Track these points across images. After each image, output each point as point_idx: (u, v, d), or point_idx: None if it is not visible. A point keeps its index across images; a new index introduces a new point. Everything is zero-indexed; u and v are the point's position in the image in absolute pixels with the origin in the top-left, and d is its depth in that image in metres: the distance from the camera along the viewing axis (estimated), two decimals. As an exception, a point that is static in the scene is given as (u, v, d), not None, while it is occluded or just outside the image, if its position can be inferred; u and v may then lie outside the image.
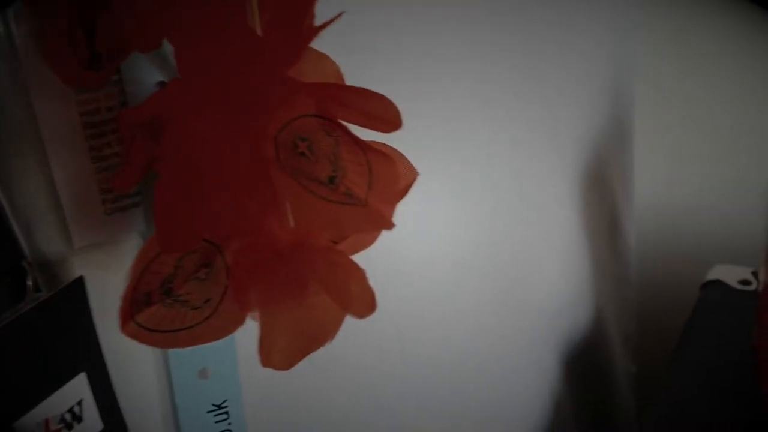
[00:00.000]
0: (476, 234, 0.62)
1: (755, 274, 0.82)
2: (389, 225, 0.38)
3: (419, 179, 0.55)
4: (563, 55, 0.70)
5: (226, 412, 0.43)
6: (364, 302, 0.37)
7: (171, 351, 0.41)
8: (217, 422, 0.43)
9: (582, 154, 0.78)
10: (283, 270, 0.35)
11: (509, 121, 0.67)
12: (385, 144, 0.39)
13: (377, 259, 0.57)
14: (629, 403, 0.94)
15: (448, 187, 0.60)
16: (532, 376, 0.68)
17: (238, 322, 0.37)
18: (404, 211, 0.53)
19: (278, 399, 0.48)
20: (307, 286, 0.35)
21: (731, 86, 0.98)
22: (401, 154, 0.41)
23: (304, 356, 0.37)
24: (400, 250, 0.55)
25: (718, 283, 0.79)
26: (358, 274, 0.38)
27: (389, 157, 0.36)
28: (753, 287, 0.80)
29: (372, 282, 0.56)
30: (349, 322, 0.40)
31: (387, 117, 0.37)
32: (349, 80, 0.43)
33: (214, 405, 0.42)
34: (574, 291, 0.76)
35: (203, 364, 0.42)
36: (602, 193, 0.85)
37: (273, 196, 0.34)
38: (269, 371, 0.41)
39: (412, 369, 0.57)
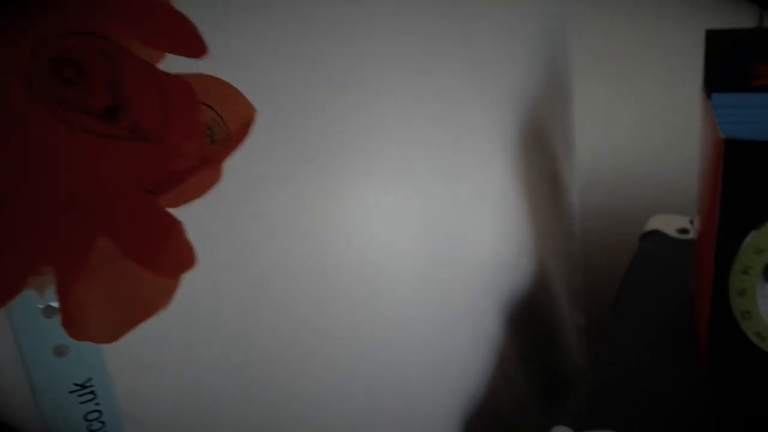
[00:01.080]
0: (409, 194, 0.60)
1: (693, 222, 0.82)
2: (194, 162, 0.30)
3: (348, 138, 0.54)
4: (491, 12, 0.68)
5: (92, 392, 0.40)
6: (177, 260, 0.31)
7: (19, 327, 0.38)
8: (82, 403, 0.40)
9: (518, 110, 0.77)
10: (64, 225, 0.29)
11: (438, 77, 0.65)
12: (211, 76, 0.33)
13: (314, 224, 0.56)
14: (578, 355, 0.95)
15: (379, 147, 0.58)
16: (474, 334, 0.68)
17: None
18: (333, 168, 0.52)
19: (157, 376, 0.45)
20: (93, 244, 0.29)
21: (664, 42, 0.97)
22: (234, 88, 0.34)
23: (133, 327, 0.33)
24: (331, 211, 0.53)
25: (656, 233, 0.79)
26: (170, 226, 0.30)
27: (189, 84, 0.30)
28: (691, 236, 0.80)
29: (308, 247, 0.55)
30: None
31: (181, 37, 0.30)
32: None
33: (76, 384, 0.40)
34: (514, 248, 0.75)
35: (58, 341, 0.39)
36: (542, 149, 0.84)
37: (29, 138, 0.27)
38: (140, 347, 0.37)
39: (349, 332, 0.55)
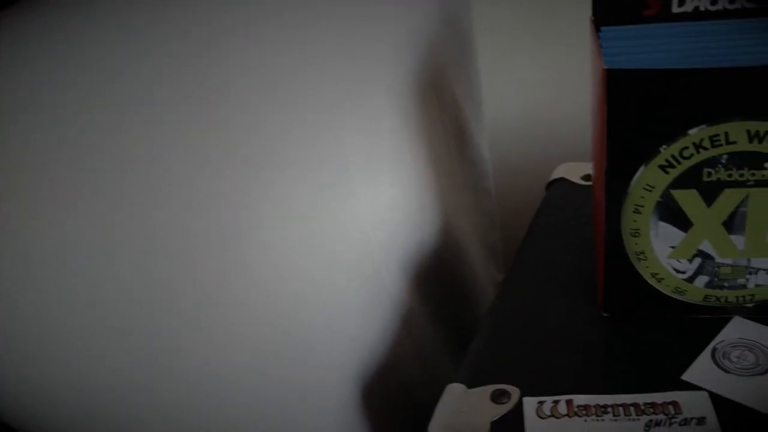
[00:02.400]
0: (291, 153, 0.56)
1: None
2: None
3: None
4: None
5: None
6: None
7: None
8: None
9: (412, 62, 0.72)
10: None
11: (322, 33, 0.60)
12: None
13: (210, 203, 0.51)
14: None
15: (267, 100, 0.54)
16: (371, 291, 0.63)
17: None
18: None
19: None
20: None
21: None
22: None
23: None
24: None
25: (562, 181, 0.76)
26: None
27: None
28: (598, 182, 0.77)
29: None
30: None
31: None
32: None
33: None
34: (414, 203, 0.71)
35: None
36: (443, 100, 0.80)
37: None
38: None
39: (243, 306, 0.51)
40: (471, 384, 0.53)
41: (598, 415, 0.49)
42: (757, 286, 0.53)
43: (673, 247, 0.53)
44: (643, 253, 0.54)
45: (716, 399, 0.49)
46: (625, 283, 0.55)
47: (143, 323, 0.45)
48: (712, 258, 0.53)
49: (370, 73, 0.66)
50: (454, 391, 0.53)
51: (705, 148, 0.49)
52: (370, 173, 0.64)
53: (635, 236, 0.53)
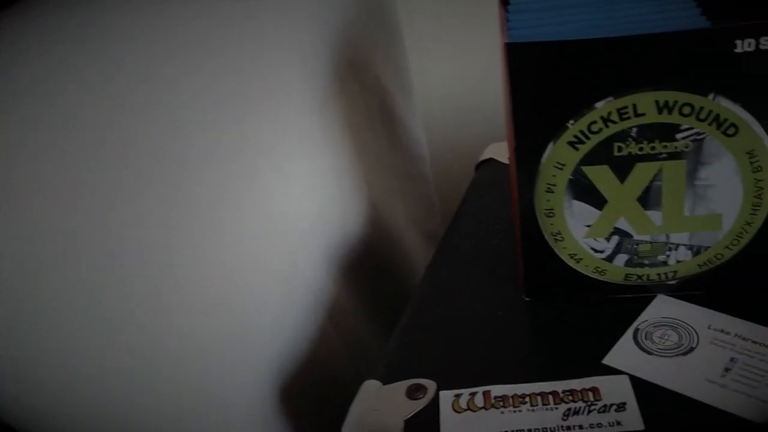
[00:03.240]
0: (186, 140, 0.52)
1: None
2: None
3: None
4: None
5: None
6: None
7: None
8: None
9: (327, 38, 0.69)
10: None
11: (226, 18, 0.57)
12: None
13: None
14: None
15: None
16: (289, 285, 0.60)
17: None
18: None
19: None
20: None
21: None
22: None
23: None
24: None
25: (491, 162, 0.73)
26: None
27: None
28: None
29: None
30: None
31: None
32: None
33: None
34: (333, 196, 0.67)
35: None
36: (363, 83, 0.77)
37: None
38: None
39: (152, 306, 0.48)
40: (387, 380, 0.50)
41: (515, 406, 0.46)
42: (678, 262, 0.51)
43: (589, 226, 0.50)
44: (559, 233, 0.51)
45: (638, 383, 0.46)
46: (544, 265, 0.53)
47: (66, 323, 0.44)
48: (629, 235, 0.50)
49: (279, 47, 0.62)
50: (369, 388, 0.50)
51: (613, 122, 0.46)
52: (281, 163, 0.60)
53: (550, 216, 0.51)
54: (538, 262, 0.53)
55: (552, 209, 0.50)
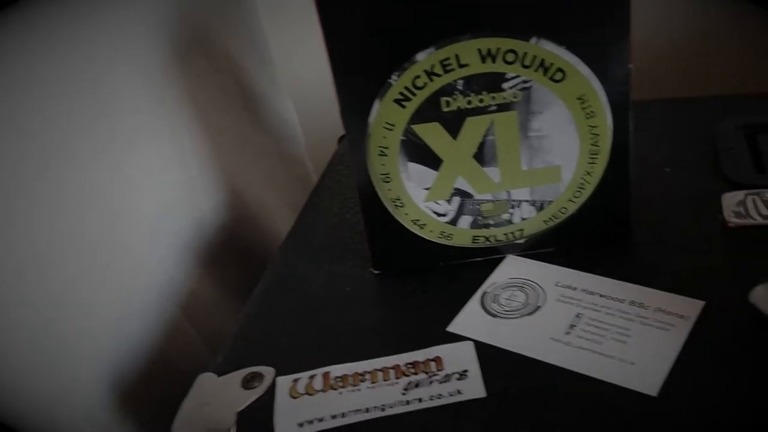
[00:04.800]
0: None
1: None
2: None
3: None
4: None
5: None
6: None
7: None
8: None
9: (169, 16, 0.63)
10: None
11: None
12: None
13: None
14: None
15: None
16: (132, 279, 0.55)
17: None
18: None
19: None
20: None
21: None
22: None
23: None
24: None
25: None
26: None
27: None
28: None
29: None
30: None
31: None
32: None
33: None
34: (184, 184, 0.63)
35: None
36: (216, 65, 0.72)
37: None
38: None
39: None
40: (222, 371, 0.46)
41: (355, 385, 0.43)
42: (523, 220, 0.48)
43: (428, 189, 0.47)
44: (398, 199, 0.48)
45: (483, 348, 0.44)
46: (388, 234, 0.49)
47: None
48: (470, 195, 0.47)
49: (124, 39, 0.57)
50: (204, 381, 0.45)
51: (438, 75, 0.43)
52: (117, 153, 0.55)
53: (387, 182, 0.47)
54: (381, 231, 0.49)
55: (388, 174, 0.47)
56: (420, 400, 0.41)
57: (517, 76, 0.43)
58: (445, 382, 0.42)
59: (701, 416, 0.37)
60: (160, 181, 0.61)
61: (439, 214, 0.48)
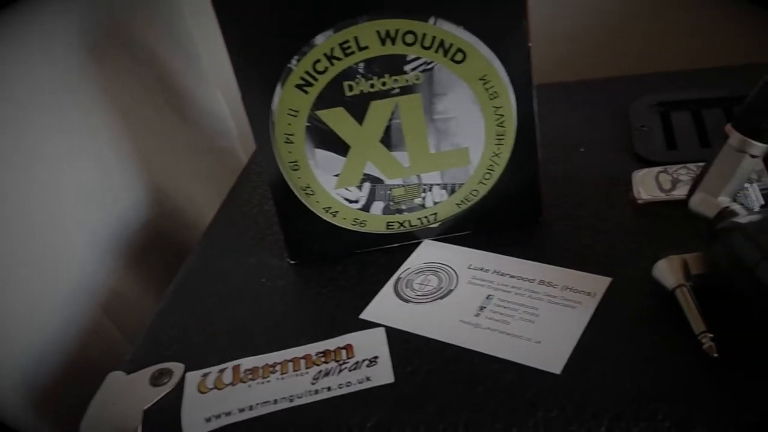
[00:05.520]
0: None
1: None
2: None
3: None
4: None
5: None
6: None
7: None
8: None
9: (86, 11, 0.62)
10: None
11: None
12: None
13: None
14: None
15: None
16: (46, 285, 0.54)
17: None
18: None
19: None
20: None
21: None
22: None
23: None
24: None
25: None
26: None
27: None
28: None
29: None
30: None
31: None
32: None
33: None
34: (99, 180, 0.61)
35: None
36: (135, 58, 0.70)
37: None
38: None
39: None
40: (132, 369, 0.44)
41: (264, 377, 0.42)
42: (436, 203, 0.48)
43: (337, 176, 0.46)
44: (309, 187, 0.47)
45: (395, 334, 0.43)
46: (301, 223, 0.48)
47: None
48: (381, 181, 0.47)
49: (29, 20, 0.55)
50: (112, 380, 0.44)
51: (338, 58, 0.42)
52: (29, 150, 0.53)
53: (296, 170, 0.46)
54: (294, 220, 0.48)
55: (296, 161, 0.46)
56: (329, 388, 0.40)
57: (419, 58, 0.43)
58: (354, 369, 0.41)
59: (602, 391, 0.37)
60: (77, 179, 0.59)
61: (350, 201, 0.47)
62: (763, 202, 0.46)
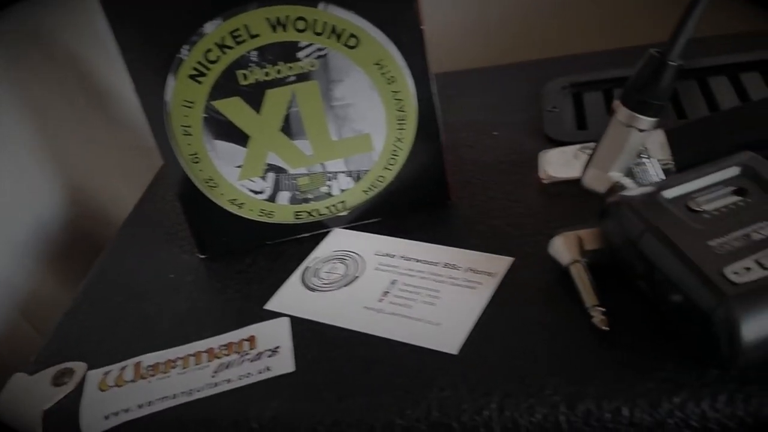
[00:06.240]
0: None
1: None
2: None
3: None
4: None
5: None
6: None
7: None
8: None
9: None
10: None
11: None
12: None
13: None
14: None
15: None
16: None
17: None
18: None
19: None
20: None
21: None
22: None
23: None
24: None
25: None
26: None
27: None
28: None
29: None
30: None
31: None
32: None
33: None
34: (15, 183, 0.60)
35: None
36: (50, 57, 0.69)
37: None
38: None
39: None
40: (35, 369, 0.43)
41: (165, 372, 0.41)
42: (343, 191, 0.48)
43: (239, 167, 0.46)
44: (211, 179, 0.46)
45: (299, 323, 0.43)
46: (207, 216, 0.48)
47: None
48: (284, 170, 0.46)
49: None
50: (15, 382, 0.43)
51: (229, 47, 0.42)
52: None
53: (196, 162, 0.46)
54: (199, 214, 0.48)
55: (196, 154, 0.45)
56: (229, 381, 0.40)
57: (312, 45, 0.42)
58: (255, 360, 0.41)
59: (496, 369, 0.36)
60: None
61: (255, 192, 0.47)
62: (664, 177, 0.46)
